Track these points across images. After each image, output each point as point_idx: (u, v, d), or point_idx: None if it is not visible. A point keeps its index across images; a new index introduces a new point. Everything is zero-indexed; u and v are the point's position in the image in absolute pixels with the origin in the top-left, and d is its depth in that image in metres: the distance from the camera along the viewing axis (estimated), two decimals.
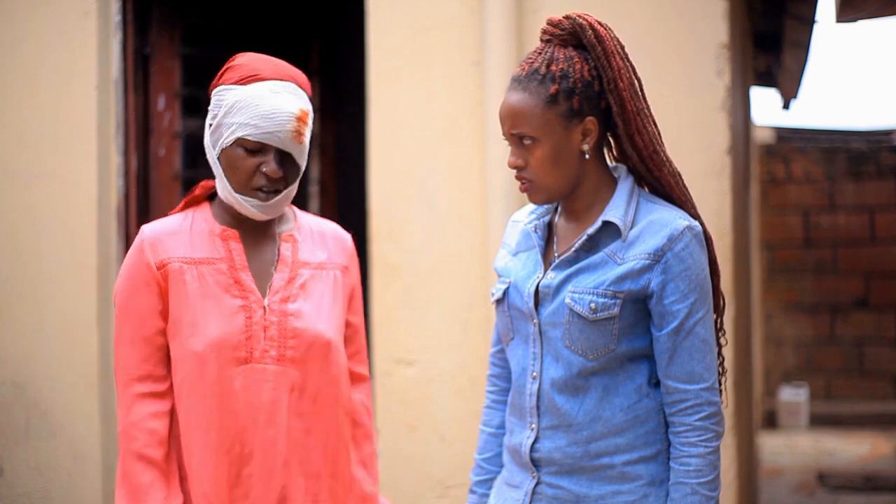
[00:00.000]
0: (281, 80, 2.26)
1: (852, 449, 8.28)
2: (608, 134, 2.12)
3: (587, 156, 2.06)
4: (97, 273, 4.04)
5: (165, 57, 4.27)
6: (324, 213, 4.80)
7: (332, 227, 2.45)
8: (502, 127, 2.08)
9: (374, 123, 3.92)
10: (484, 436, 2.30)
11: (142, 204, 4.21)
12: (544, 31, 2.09)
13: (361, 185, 4.07)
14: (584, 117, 2.04)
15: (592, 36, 2.04)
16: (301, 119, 2.26)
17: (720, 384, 2.11)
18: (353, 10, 4.27)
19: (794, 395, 9.32)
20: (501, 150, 3.68)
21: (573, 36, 2.06)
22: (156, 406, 2.24)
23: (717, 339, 2.12)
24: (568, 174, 2.06)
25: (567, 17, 2.06)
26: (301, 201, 4.75)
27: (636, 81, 2.08)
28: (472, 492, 2.30)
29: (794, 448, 8.41)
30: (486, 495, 2.26)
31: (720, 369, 2.11)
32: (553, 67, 2.03)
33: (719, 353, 2.13)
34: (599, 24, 2.06)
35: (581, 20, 2.05)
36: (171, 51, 4.31)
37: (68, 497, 4.07)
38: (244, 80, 2.23)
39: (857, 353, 9.66)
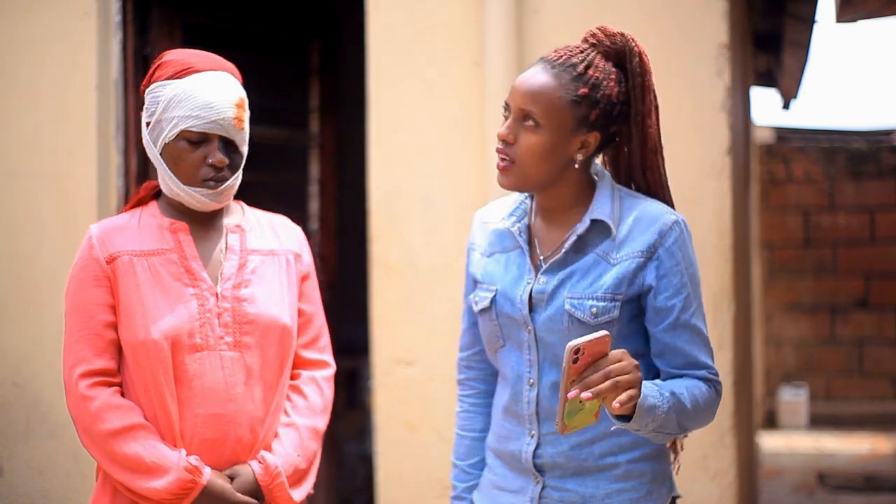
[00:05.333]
0: (214, 70, 2.28)
1: (852, 449, 8.27)
2: (608, 152, 2.13)
3: (576, 165, 2.04)
4: None
5: None
6: (324, 213, 4.80)
7: (282, 219, 2.47)
8: (511, 96, 2.04)
9: (374, 123, 3.91)
10: (466, 441, 2.26)
11: None
12: (593, 35, 2.06)
13: (361, 185, 4.07)
14: (590, 130, 2.03)
15: (638, 64, 2.04)
16: (240, 106, 2.28)
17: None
18: (353, 10, 4.26)
19: (794, 395, 9.32)
20: None
21: (618, 54, 2.04)
22: (113, 390, 2.25)
23: None
24: (549, 172, 2.03)
25: (622, 35, 2.05)
26: (301, 201, 4.75)
27: (658, 117, 2.09)
28: (459, 498, 2.25)
29: (794, 448, 8.40)
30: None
31: None
32: (590, 72, 2.01)
33: None
34: (645, 54, 2.05)
35: (633, 44, 2.04)
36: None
37: (68, 497, 4.07)
38: (178, 74, 2.25)
39: (857, 353, 9.65)
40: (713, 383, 2.04)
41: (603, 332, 1.84)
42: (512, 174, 2.03)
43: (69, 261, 4.13)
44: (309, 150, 4.81)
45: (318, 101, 4.83)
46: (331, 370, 2.46)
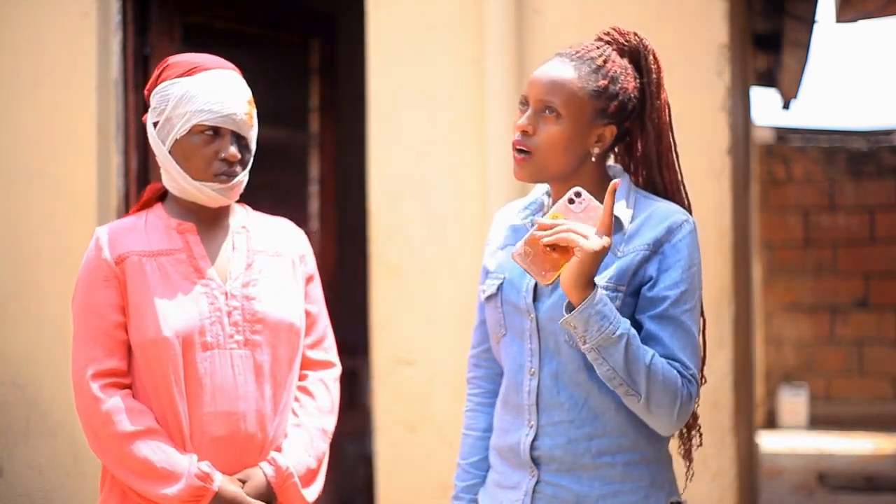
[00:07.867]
0: (223, 69, 2.32)
1: (852, 449, 8.28)
2: (622, 149, 2.15)
3: (592, 158, 2.06)
4: None
5: (165, 57, 4.26)
6: (323, 213, 4.80)
7: (285, 221, 2.49)
8: (530, 89, 2.06)
9: (374, 123, 3.91)
10: (469, 440, 2.27)
11: None
12: (607, 34, 2.11)
13: (361, 185, 4.07)
14: (608, 124, 2.05)
15: (652, 62, 2.08)
16: (250, 103, 2.31)
17: (700, 379, 2.06)
18: (353, 10, 4.26)
19: (794, 395, 9.32)
20: (501, 150, 3.68)
21: (632, 52, 2.09)
22: (125, 392, 2.26)
23: (703, 341, 2.11)
24: (567, 163, 2.05)
25: (635, 34, 2.10)
26: (301, 201, 4.74)
27: (671, 114, 2.12)
28: (457, 498, 2.25)
29: (794, 448, 8.41)
30: (474, 501, 2.23)
31: (701, 375, 2.08)
32: (609, 65, 2.05)
33: (703, 359, 2.11)
34: (656, 53, 2.10)
35: (646, 43, 2.09)
36: (171, 51, 4.29)
37: (68, 497, 4.07)
38: (188, 73, 2.28)
39: (857, 354, 9.65)
40: (685, 379, 1.98)
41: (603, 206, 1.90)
42: (529, 165, 2.05)
43: (69, 261, 4.15)
44: (309, 150, 4.81)
45: (318, 101, 4.83)
46: (337, 370, 2.48)
